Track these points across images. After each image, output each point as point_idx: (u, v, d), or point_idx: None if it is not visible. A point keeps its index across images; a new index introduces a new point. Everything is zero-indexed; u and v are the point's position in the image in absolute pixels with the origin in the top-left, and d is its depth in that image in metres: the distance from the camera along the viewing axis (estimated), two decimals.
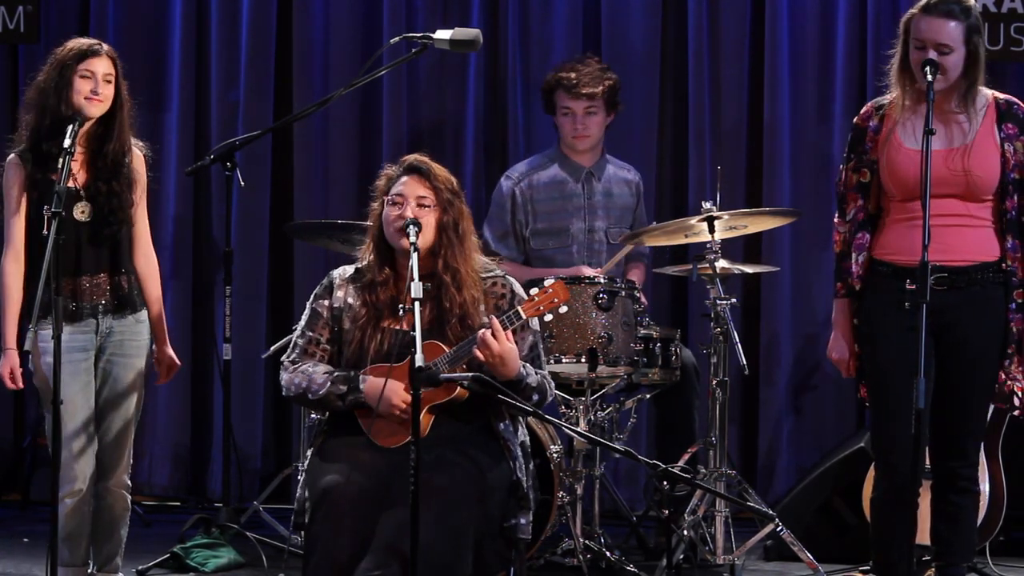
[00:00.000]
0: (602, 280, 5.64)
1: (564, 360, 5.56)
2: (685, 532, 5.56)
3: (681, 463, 5.73)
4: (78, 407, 4.82)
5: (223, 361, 6.11)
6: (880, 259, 4.66)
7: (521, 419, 4.61)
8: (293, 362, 4.58)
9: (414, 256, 4.33)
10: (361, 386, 4.43)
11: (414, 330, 4.12)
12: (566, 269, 6.04)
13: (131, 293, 4.92)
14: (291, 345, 4.64)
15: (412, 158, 4.61)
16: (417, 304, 4.16)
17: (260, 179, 7.09)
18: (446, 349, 4.41)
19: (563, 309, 4.49)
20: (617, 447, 4.25)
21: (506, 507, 4.42)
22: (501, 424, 4.52)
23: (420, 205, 4.50)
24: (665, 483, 4.13)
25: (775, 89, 6.81)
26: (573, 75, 6.16)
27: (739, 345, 5.55)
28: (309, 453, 4.54)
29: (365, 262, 4.62)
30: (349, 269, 4.67)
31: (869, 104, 4.75)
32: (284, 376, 4.58)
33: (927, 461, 4.65)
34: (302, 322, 4.64)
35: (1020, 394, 4.66)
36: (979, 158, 4.57)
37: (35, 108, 4.86)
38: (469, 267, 4.54)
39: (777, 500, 6.36)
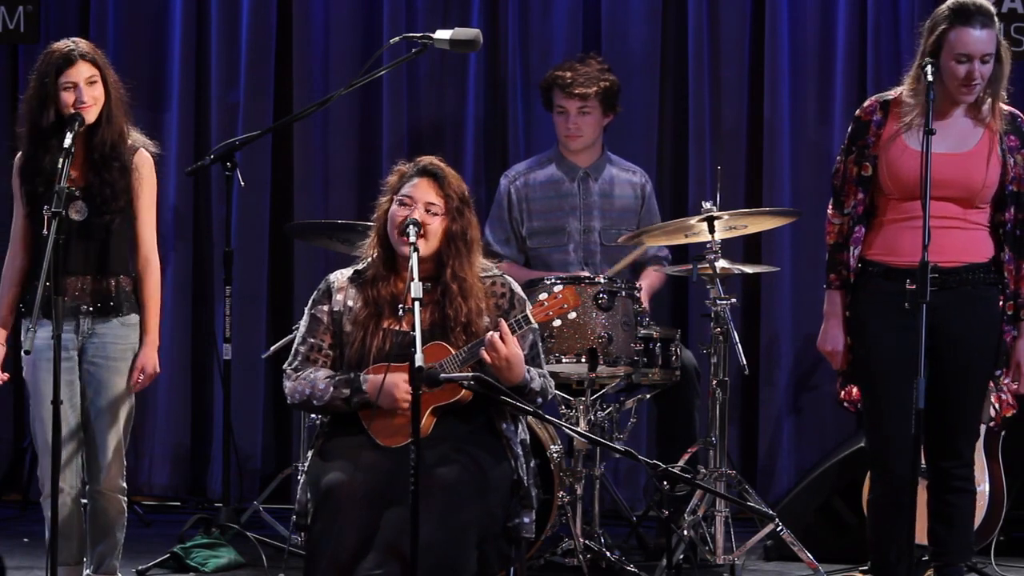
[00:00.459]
0: (602, 280, 5.65)
1: (564, 360, 5.56)
2: (685, 532, 5.56)
3: (681, 463, 5.73)
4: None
5: (223, 361, 6.11)
6: (871, 259, 4.66)
7: (521, 417, 4.61)
8: (296, 370, 4.56)
9: (414, 256, 4.32)
10: (363, 387, 4.42)
11: (414, 330, 4.12)
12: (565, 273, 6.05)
13: (119, 296, 4.87)
14: (292, 352, 4.61)
15: (427, 160, 4.57)
16: (417, 304, 4.15)
17: (260, 179, 7.09)
18: (451, 350, 4.41)
19: (572, 315, 4.48)
20: (617, 447, 4.25)
21: (508, 506, 4.42)
22: (503, 424, 4.52)
23: (428, 211, 4.48)
24: (665, 483, 4.13)
25: (775, 89, 6.81)
26: (569, 74, 6.17)
27: (739, 345, 5.55)
28: (310, 454, 4.53)
29: (368, 259, 4.62)
30: (347, 271, 4.65)
31: (873, 98, 4.73)
32: (287, 385, 4.56)
33: (923, 461, 4.66)
34: (302, 328, 4.63)
35: (997, 405, 4.67)
36: (978, 165, 4.57)
37: (27, 122, 4.86)
38: (475, 276, 4.53)
39: (777, 500, 6.36)
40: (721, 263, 5.65)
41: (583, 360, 5.55)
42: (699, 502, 5.64)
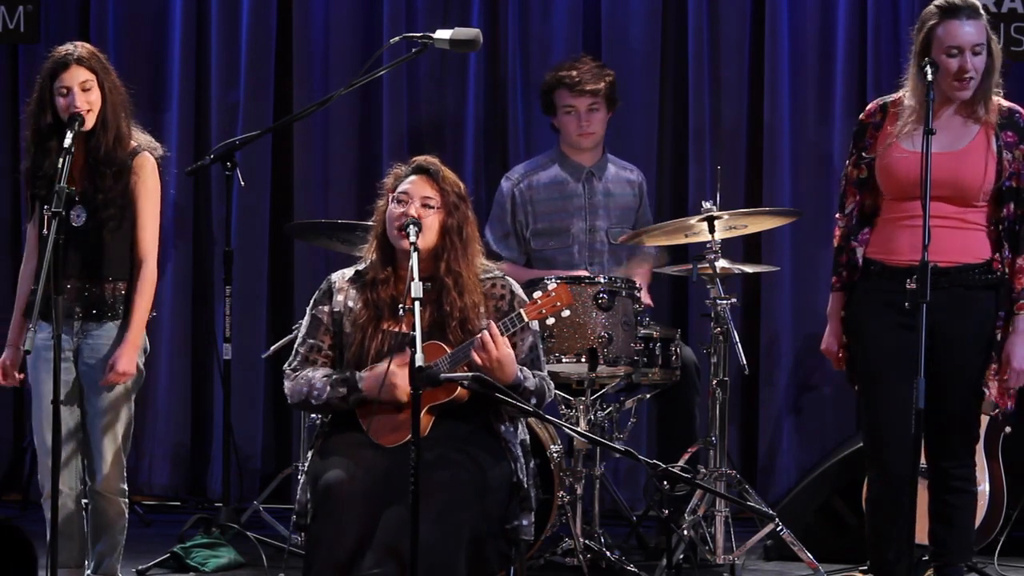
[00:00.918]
0: (602, 280, 5.64)
1: (564, 360, 5.55)
2: (685, 532, 5.56)
3: (681, 463, 5.73)
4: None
5: (223, 361, 6.11)
6: (871, 258, 4.67)
7: (521, 418, 4.61)
8: (295, 370, 4.57)
9: (414, 256, 4.32)
10: (360, 384, 4.43)
11: (414, 330, 4.11)
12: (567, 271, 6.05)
13: (114, 302, 4.86)
14: (292, 353, 4.62)
15: (422, 159, 4.60)
16: (417, 304, 4.15)
17: (260, 179, 7.09)
18: (447, 349, 4.41)
19: (566, 313, 4.48)
20: (617, 447, 4.24)
21: (507, 507, 4.42)
22: (502, 426, 4.52)
23: (424, 205, 4.49)
24: (665, 483, 4.13)
25: (775, 89, 6.81)
26: (574, 72, 6.18)
27: (739, 345, 5.55)
28: (310, 454, 4.53)
29: (368, 261, 4.62)
30: (348, 272, 4.66)
31: (875, 102, 4.76)
32: (287, 384, 4.57)
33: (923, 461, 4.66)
34: (302, 329, 4.63)
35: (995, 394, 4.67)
36: (970, 163, 4.57)
37: (29, 126, 4.87)
38: (472, 272, 4.53)
39: (777, 500, 6.36)
40: (721, 263, 5.65)
41: (583, 360, 5.54)
42: (699, 502, 5.64)
